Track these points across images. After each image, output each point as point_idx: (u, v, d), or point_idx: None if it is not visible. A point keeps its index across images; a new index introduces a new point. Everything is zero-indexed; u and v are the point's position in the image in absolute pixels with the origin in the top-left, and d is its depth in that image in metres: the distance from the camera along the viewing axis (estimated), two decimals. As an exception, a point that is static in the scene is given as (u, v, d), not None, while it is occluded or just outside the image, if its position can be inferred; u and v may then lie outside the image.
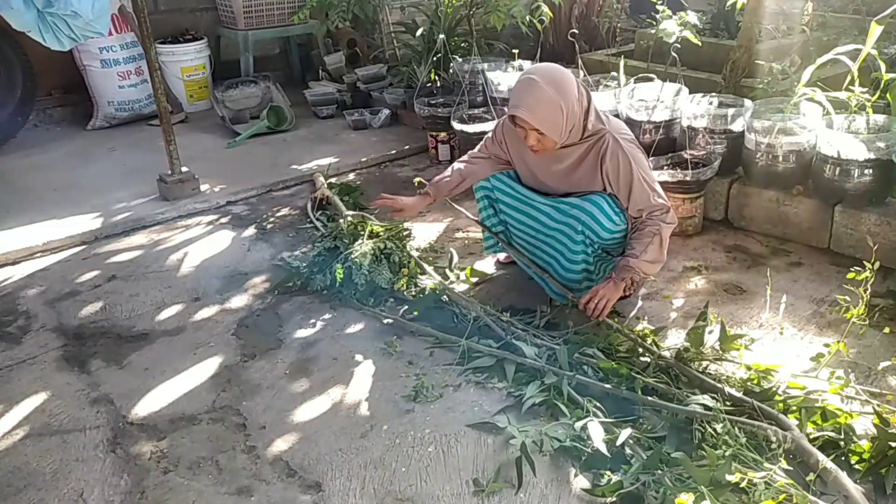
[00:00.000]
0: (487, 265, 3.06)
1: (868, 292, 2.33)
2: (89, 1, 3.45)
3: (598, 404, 2.10)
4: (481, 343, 2.44)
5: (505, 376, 2.30)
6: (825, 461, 1.77)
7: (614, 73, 3.71)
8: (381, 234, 2.94)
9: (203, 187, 3.91)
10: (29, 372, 2.49)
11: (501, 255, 3.08)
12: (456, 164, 2.80)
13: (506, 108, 3.99)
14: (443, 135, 4.22)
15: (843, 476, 1.75)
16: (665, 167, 3.19)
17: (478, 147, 2.81)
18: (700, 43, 3.40)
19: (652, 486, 1.82)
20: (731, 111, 3.23)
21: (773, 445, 1.84)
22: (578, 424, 2.02)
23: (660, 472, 1.82)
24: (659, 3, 3.51)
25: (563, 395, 2.15)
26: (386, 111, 4.90)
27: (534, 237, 2.72)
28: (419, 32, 4.87)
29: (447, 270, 2.93)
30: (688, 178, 3.04)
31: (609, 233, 2.50)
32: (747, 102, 3.28)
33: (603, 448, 1.91)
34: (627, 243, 2.54)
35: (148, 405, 2.30)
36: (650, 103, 3.38)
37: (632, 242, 2.51)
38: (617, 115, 3.61)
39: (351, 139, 4.72)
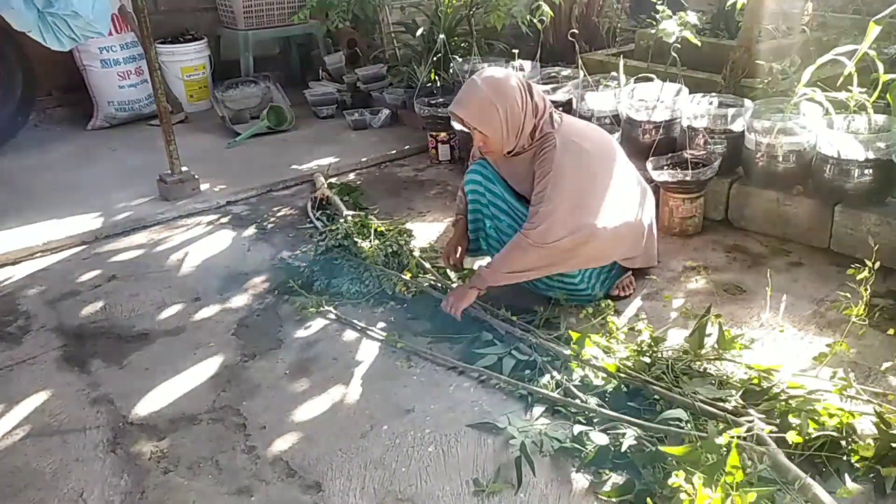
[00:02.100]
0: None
1: (868, 292, 2.34)
2: (89, 1, 3.45)
3: (600, 402, 2.10)
4: (482, 342, 2.44)
5: (506, 377, 2.30)
6: (804, 478, 1.75)
7: (614, 73, 3.71)
8: (385, 234, 2.94)
9: (203, 187, 3.92)
10: (29, 372, 2.49)
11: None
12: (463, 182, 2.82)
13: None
14: (443, 135, 4.22)
15: (822, 493, 1.72)
16: (665, 167, 3.19)
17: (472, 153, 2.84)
18: (700, 43, 3.40)
19: (657, 485, 1.82)
20: (731, 111, 3.23)
21: (748, 463, 1.82)
22: (577, 429, 2.02)
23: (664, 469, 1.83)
24: (659, 3, 3.51)
25: (563, 390, 2.16)
26: (386, 111, 4.90)
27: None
28: (419, 32, 4.87)
29: (447, 270, 2.93)
30: (688, 178, 3.04)
31: (569, 293, 2.56)
32: (747, 102, 3.28)
33: (605, 450, 1.91)
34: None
35: (148, 405, 2.30)
36: (650, 103, 3.39)
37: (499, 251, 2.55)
38: (617, 116, 3.62)
39: (351, 139, 4.72)
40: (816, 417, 1.99)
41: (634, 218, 2.61)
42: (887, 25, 2.87)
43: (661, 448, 1.83)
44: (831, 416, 1.99)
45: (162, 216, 3.66)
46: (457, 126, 3.90)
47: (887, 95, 2.89)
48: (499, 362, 2.36)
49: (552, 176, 2.41)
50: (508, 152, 2.51)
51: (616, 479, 1.89)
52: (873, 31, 2.76)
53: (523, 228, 2.46)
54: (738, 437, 1.82)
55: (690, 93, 3.42)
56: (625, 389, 2.18)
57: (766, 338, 2.48)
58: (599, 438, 1.96)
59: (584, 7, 4.91)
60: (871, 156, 2.84)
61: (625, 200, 2.57)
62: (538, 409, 2.16)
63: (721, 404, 2.05)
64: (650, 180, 2.98)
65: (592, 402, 2.11)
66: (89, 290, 3.00)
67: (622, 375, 2.20)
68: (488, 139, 2.45)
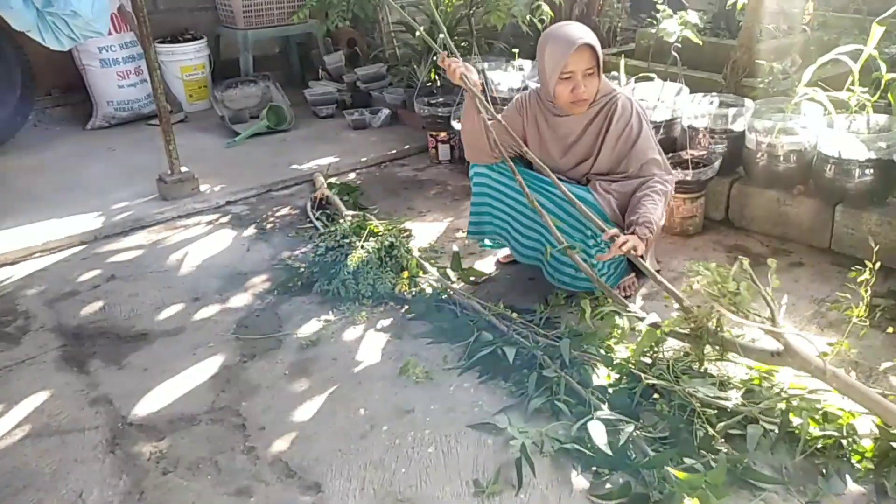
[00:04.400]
0: (487, 265, 3.05)
1: (869, 292, 2.33)
2: (89, 0, 3.44)
3: (600, 396, 2.10)
4: (482, 341, 2.44)
5: (506, 377, 2.30)
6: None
7: (615, 73, 3.71)
8: (383, 233, 2.94)
9: (202, 187, 3.91)
10: (28, 372, 2.49)
11: (501, 255, 3.07)
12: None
13: (505, 108, 3.99)
14: (443, 134, 4.21)
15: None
16: (665, 167, 3.18)
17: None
18: (701, 42, 3.40)
19: (657, 485, 1.82)
20: (731, 111, 3.23)
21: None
22: (576, 427, 2.01)
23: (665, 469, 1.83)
24: (659, 2, 3.50)
25: (562, 389, 2.16)
26: (386, 111, 4.90)
27: (536, 224, 2.68)
28: (419, 32, 4.86)
29: (448, 270, 2.93)
30: (688, 178, 3.04)
31: (610, 225, 2.49)
32: (748, 102, 3.27)
33: (606, 449, 1.90)
34: (632, 207, 2.51)
35: (147, 405, 2.29)
36: (651, 103, 3.38)
37: (640, 204, 2.47)
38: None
39: (351, 139, 4.71)
40: (817, 417, 1.99)
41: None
42: (889, 25, 2.87)
43: (669, 469, 1.83)
44: (833, 416, 1.99)
45: (161, 216, 3.65)
46: (457, 126, 3.90)
47: (889, 95, 2.90)
48: (500, 352, 2.36)
49: (644, 131, 2.54)
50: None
51: (616, 479, 1.89)
52: (877, 31, 2.76)
53: (655, 178, 2.51)
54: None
55: (691, 92, 3.42)
56: (625, 388, 2.17)
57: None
58: (599, 436, 1.95)
59: (585, 7, 4.90)
60: (871, 156, 2.84)
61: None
62: (538, 404, 2.15)
63: (721, 402, 2.05)
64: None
65: (593, 399, 2.11)
66: (88, 290, 2.99)
67: (623, 374, 2.20)
68: (592, 82, 2.51)
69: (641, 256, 2.34)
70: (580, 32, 2.49)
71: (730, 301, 2.05)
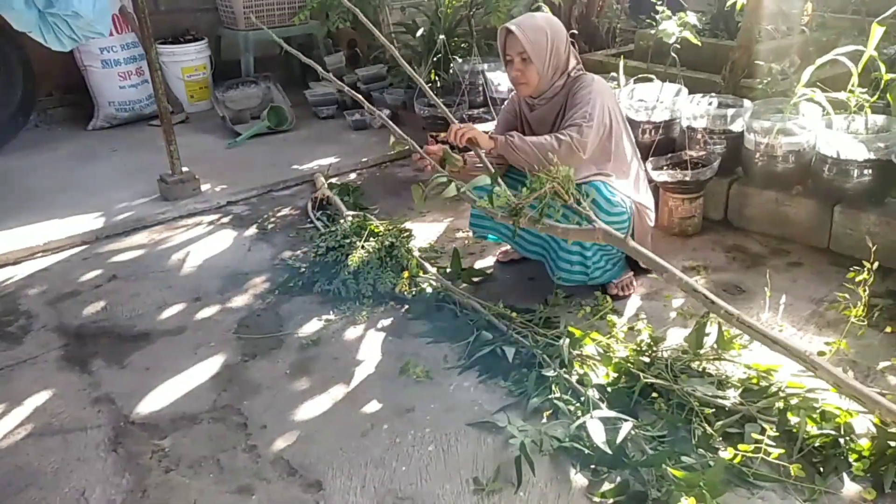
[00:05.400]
0: (487, 265, 3.06)
1: (867, 292, 2.34)
2: (90, 1, 3.46)
3: (599, 395, 2.12)
4: (482, 340, 2.45)
5: (505, 376, 2.31)
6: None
7: (614, 74, 3.72)
8: (384, 233, 2.95)
9: (204, 187, 3.92)
10: (30, 372, 2.50)
11: (500, 253, 3.09)
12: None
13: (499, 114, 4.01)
14: (443, 135, 4.20)
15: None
16: (665, 167, 3.19)
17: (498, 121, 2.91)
18: (700, 43, 3.41)
19: (654, 483, 1.83)
20: (730, 111, 3.24)
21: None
22: (575, 425, 2.02)
23: (663, 467, 1.84)
24: (658, 3, 3.51)
25: (561, 388, 2.17)
26: (386, 111, 4.90)
27: None
28: (419, 33, 4.87)
29: (448, 270, 2.94)
30: (687, 179, 3.05)
31: (607, 214, 2.50)
32: (747, 103, 3.28)
33: (605, 448, 1.91)
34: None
35: (149, 405, 2.30)
36: (650, 104, 3.39)
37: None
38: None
39: (351, 139, 4.73)
40: (815, 416, 2.00)
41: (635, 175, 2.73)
42: (888, 26, 2.88)
43: (667, 467, 1.84)
44: (830, 415, 2.00)
45: (163, 216, 3.66)
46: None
47: (887, 95, 2.91)
48: (500, 351, 2.38)
49: (592, 97, 2.53)
50: (538, 95, 2.61)
51: (614, 478, 1.90)
52: (877, 32, 2.77)
53: (566, 132, 2.50)
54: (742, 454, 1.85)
55: (690, 93, 3.43)
56: (624, 387, 2.18)
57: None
58: (597, 435, 1.96)
59: (584, 8, 4.91)
60: (870, 156, 2.85)
61: (631, 151, 2.73)
62: (537, 403, 2.16)
63: (719, 401, 2.06)
64: (650, 180, 2.99)
65: (592, 398, 2.12)
66: (90, 290, 3.01)
67: (622, 373, 2.21)
68: (528, 67, 2.55)
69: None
70: (518, 21, 2.57)
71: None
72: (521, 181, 2.52)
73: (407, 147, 2.62)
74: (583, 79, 2.61)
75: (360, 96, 2.76)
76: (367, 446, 2.08)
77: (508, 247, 3.07)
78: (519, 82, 2.61)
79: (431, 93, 2.70)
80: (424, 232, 3.38)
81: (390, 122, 2.69)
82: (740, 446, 1.92)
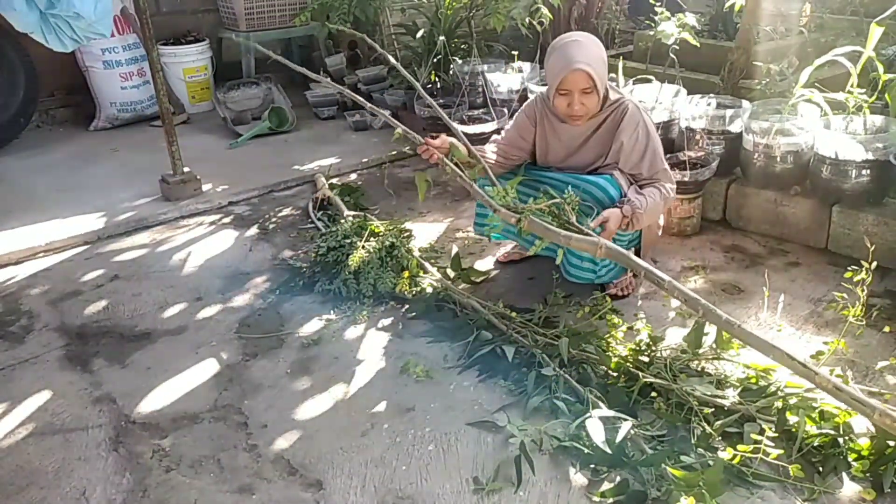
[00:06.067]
0: (487, 265, 3.07)
1: (865, 292, 2.35)
2: (92, 2, 3.46)
3: (598, 394, 2.12)
4: (481, 340, 2.46)
5: (505, 376, 2.32)
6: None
7: (613, 75, 3.72)
8: (384, 233, 2.96)
9: (205, 188, 3.93)
10: (31, 371, 2.51)
11: (501, 254, 3.09)
12: (492, 149, 2.81)
13: (505, 110, 4.02)
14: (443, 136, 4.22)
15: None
16: (664, 168, 3.20)
17: (502, 139, 2.83)
18: (698, 44, 3.41)
19: (654, 482, 1.84)
20: (729, 112, 3.25)
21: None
22: (575, 425, 2.03)
23: (662, 467, 1.85)
24: (657, 4, 3.52)
25: (561, 388, 2.18)
26: (386, 112, 4.91)
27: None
28: (419, 34, 4.89)
29: (448, 270, 2.95)
30: (686, 179, 3.06)
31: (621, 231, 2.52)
32: (745, 103, 3.29)
33: (604, 447, 1.92)
34: (633, 188, 2.60)
35: (150, 404, 2.31)
36: (649, 104, 3.40)
37: (642, 190, 2.58)
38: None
39: (352, 140, 4.74)
40: (814, 416, 2.01)
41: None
42: (886, 27, 2.89)
43: (667, 467, 1.85)
44: (829, 415, 2.01)
45: (164, 216, 3.67)
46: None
47: (886, 96, 2.92)
48: (500, 351, 2.39)
49: (653, 135, 2.60)
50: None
51: (614, 477, 1.91)
52: (875, 32, 2.77)
53: (659, 183, 2.59)
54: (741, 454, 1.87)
55: (689, 94, 3.44)
56: (623, 386, 2.19)
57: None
58: (597, 434, 1.96)
59: (583, 9, 4.92)
60: (868, 156, 2.85)
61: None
62: (536, 402, 2.17)
63: (718, 401, 2.07)
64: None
65: (592, 397, 2.13)
66: (92, 290, 3.02)
67: (621, 373, 2.22)
68: (590, 98, 2.53)
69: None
70: (580, 54, 2.49)
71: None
72: (532, 193, 2.56)
73: (408, 147, 2.63)
74: (626, 109, 2.60)
75: (359, 97, 2.77)
76: (368, 445, 2.09)
77: (509, 248, 3.09)
78: (576, 115, 2.56)
79: (428, 96, 2.70)
80: (424, 232, 3.39)
81: (394, 120, 2.69)
82: (739, 446, 1.93)
